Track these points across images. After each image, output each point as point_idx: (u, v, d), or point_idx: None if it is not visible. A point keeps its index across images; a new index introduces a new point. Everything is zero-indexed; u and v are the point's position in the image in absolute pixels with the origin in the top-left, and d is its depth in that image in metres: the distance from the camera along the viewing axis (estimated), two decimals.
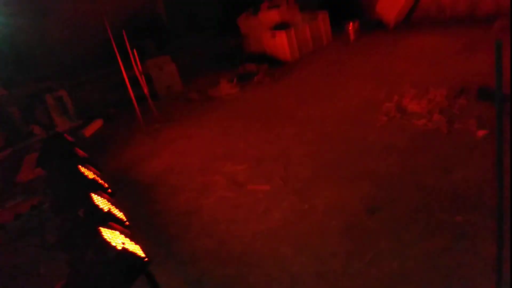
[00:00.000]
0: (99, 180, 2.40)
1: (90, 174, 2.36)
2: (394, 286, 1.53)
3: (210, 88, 4.77)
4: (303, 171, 2.52)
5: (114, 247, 1.57)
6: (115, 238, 1.69)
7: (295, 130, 3.13)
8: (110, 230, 1.73)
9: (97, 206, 1.92)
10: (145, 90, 4.06)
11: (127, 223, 1.99)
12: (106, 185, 2.36)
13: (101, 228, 1.68)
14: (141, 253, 1.66)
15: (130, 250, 1.61)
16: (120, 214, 2.03)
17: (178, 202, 2.56)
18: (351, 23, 5.11)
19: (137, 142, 3.83)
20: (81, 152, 2.79)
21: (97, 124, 4.84)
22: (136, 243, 1.73)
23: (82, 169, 2.36)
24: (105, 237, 1.63)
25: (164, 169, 3.08)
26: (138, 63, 3.97)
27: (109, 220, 1.84)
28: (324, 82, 4.00)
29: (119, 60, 3.82)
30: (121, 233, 1.76)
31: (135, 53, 3.89)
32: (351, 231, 1.88)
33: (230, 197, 2.45)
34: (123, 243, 1.64)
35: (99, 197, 2.06)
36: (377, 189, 2.13)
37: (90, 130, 4.68)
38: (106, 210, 1.93)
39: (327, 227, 1.96)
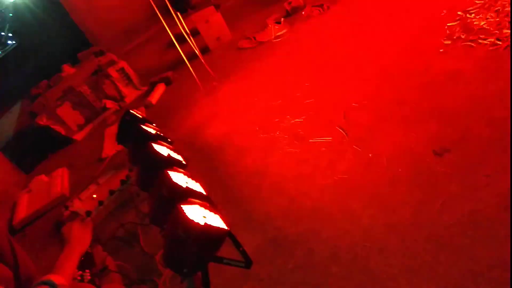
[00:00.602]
0: (172, 153, 2.59)
1: (164, 151, 2.55)
2: (466, 232, 1.54)
3: (258, 32, 4.68)
4: (364, 116, 2.48)
5: (197, 224, 1.72)
6: (197, 214, 1.85)
7: (351, 68, 3.02)
8: (191, 206, 1.90)
9: (175, 184, 2.08)
10: (195, 47, 4.09)
11: (204, 193, 2.18)
12: (179, 158, 2.55)
13: (182, 206, 1.84)
14: (221, 224, 1.84)
15: (212, 224, 1.76)
16: (197, 186, 2.21)
17: (246, 163, 2.71)
18: None
19: (199, 104, 3.99)
20: (152, 127, 3.01)
21: (160, 89, 5.07)
22: (216, 212, 1.91)
23: (156, 147, 2.55)
24: (187, 215, 1.78)
25: (227, 130, 3.22)
26: (182, 20, 3.96)
27: (188, 196, 2.01)
28: (378, 7, 3.69)
29: (162, 20, 3.83)
30: (201, 206, 1.93)
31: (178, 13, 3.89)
32: (419, 177, 1.87)
33: (294, 153, 2.52)
34: (204, 217, 1.82)
35: (175, 173, 2.24)
36: (444, 128, 2.04)
37: (156, 96, 4.93)
38: (184, 187, 2.09)
39: (393, 175, 1.96)
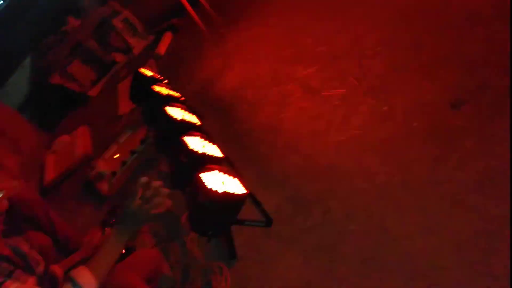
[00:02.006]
0: (186, 114, 2.60)
1: (178, 113, 2.55)
2: (481, 189, 1.56)
3: None
4: (379, 64, 2.39)
5: (215, 192, 1.77)
6: (215, 181, 1.89)
7: (363, 10, 2.85)
8: (209, 173, 1.95)
9: (192, 151, 2.10)
10: None
11: (221, 155, 2.22)
12: (194, 119, 2.56)
13: (200, 175, 1.88)
14: (240, 187, 1.90)
15: (230, 191, 1.81)
16: (213, 149, 2.25)
17: (260, 118, 2.71)
18: None
19: (208, 55, 3.90)
20: (164, 86, 2.99)
21: (167, 38, 4.95)
22: (234, 175, 1.96)
23: (169, 111, 2.55)
24: (206, 183, 1.82)
25: (239, 83, 3.18)
26: None
27: (206, 162, 2.05)
28: None
29: None
30: (220, 171, 1.98)
31: None
32: (435, 132, 1.86)
33: (307, 107, 2.50)
34: (223, 182, 1.88)
35: (191, 137, 2.26)
36: (461, 77, 1.97)
37: (163, 47, 4.83)
38: (201, 152, 2.12)
39: (409, 130, 1.95)
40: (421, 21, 2.41)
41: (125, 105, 4.27)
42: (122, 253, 1.51)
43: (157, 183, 1.39)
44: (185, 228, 2.35)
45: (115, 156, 3.47)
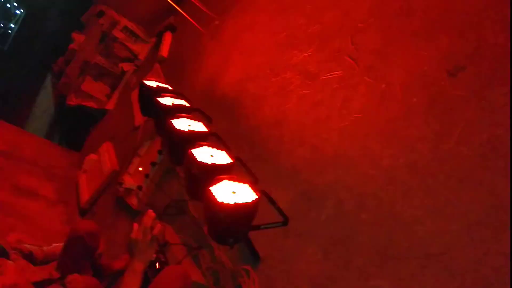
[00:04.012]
0: (193, 123, 2.63)
1: (184, 124, 2.58)
2: (486, 163, 1.51)
3: None
4: (372, 37, 2.31)
5: (226, 205, 1.82)
6: (226, 191, 1.94)
7: None
8: (219, 184, 1.99)
9: (201, 163, 2.15)
10: None
11: (231, 160, 2.26)
12: (201, 127, 2.59)
13: (210, 188, 1.93)
14: (251, 193, 1.93)
15: (241, 201, 1.85)
16: (222, 155, 2.28)
17: (265, 112, 2.71)
18: None
19: (207, 50, 3.90)
20: (169, 95, 3.03)
21: (167, 39, 4.96)
22: (244, 181, 2.00)
23: (175, 123, 2.59)
24: (216, 196, 1.86)
25: (240, 76, 3.17)
26: None
27: (215, 173, 2.09)
28: None
29: None
30: (229, 179, 2.02)
31: None
32: (435, 105, 1.80)
33: (307, 94, 2.47)
34: (234, 192, 1.93)
35: (199, 149, 2.30)
36: (456, 40, 1.87)
37: (165, 48, 4.86)
38: (210, 163, 2.16)
39: (408, 107, 1.89)
40: None
41: (140, 115, 4.38)
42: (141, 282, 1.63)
43: (148, 222, 1.52)
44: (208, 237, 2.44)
45: (139, 169, 3.61)
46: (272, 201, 2.25)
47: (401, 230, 1.63)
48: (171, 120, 2.60)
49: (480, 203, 1.46)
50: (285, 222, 2.11)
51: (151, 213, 1.58)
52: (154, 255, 2.41)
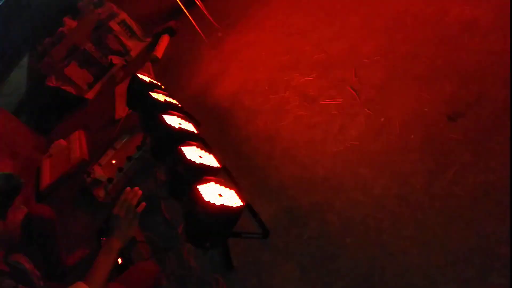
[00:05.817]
0: (183, 122, 2.58)
1: (175, 121, 2.54)
2: (477, 205, 1.56)
3: None
4: (376, 73, 2.39)
5: (213, 205, 1.76)
6: (212, 193, 1.89)
7: (360, 18, 2.85)
8: (206, 185, 1.94)
9: (189, 161, 2.09)
10: None
11: (219, 165, 2.21)
12: (191, 127, 2.54)
13: (198, 187, 1.88)
14: (237, 199, 1.89)
15: (227, 204, 1.81)
16: (210, 159, 2.24)
17: (258, 126, 2.70)
18: None
19: (205, 58, 3.89)
20: (161, 92, 2.97)
21: (164, 41, 4.92)
22: (231, 187, 1.96)
23: (166, 119, 2.53)
24: (203, 196, 1.81)
25: (236, 89, 3.17)
26: None
27: (203, 173, 2.04)
28: None
29: None
30: (216, 182, 1.98)
31: None
32: (432, 144, 1.86)
33: (304, 116, 2.50)
34: (220, 195, 1.88)
35: (188, 147, 2.25)
36: (458, 89, 1.97)
37: (161, 50, 4.80)
38: (198, 163, 2.11)
39: (405, 142, 1.95)
40: (418, 31, 2.41)
41: (121, 109, 4.25)
42: (117, 263, 1.51)
43: (134, 200, 1.46)
44: (182, 238, 2.34)
45: (113, 162, 3.46)
46: (253, 213, 2.21)
47: (386, 259, 1.63)
48: (162, 115, 2.55)
49: (467, 243, 1.49)
50: (265, 234, 2.06)
51: (137, 190, 1.49)
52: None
